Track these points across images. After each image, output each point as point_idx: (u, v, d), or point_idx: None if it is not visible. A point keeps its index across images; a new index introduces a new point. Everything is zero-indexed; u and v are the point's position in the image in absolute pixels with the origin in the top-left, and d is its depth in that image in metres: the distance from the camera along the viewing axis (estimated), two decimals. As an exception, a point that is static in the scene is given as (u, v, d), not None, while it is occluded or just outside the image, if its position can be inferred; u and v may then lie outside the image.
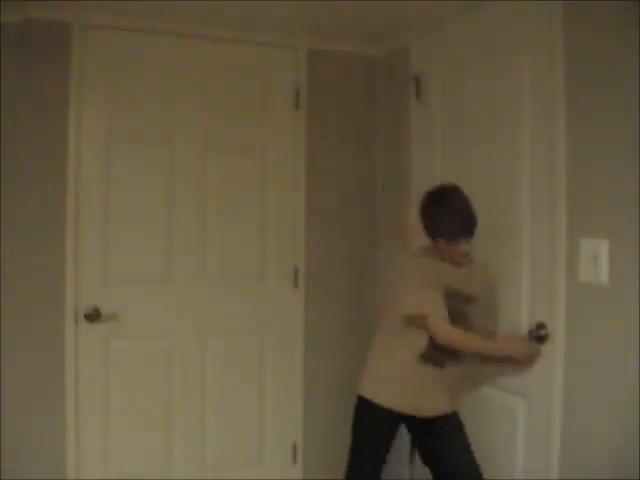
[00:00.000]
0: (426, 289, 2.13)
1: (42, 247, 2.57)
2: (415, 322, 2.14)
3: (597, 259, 1.88)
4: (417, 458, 2.48)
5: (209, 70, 2.83)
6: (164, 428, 2.79)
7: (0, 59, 2.47)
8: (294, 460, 3.02)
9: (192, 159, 2.82)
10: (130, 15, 2.61)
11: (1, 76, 2.48)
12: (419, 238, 2.28)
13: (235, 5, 2.50)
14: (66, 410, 2.61)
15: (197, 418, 2.85)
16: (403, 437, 2.51)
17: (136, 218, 2.73)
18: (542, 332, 2.11)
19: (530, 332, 2.14)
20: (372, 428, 2.29)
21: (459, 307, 2.17)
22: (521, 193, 2.22)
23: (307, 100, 2.99)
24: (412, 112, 2.84)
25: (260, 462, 2.97)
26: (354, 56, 3.07)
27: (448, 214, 2.12)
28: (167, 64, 2.77)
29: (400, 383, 2.21)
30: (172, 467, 2.81)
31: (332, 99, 3.04)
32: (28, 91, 2.54)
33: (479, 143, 2.44)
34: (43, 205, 2.58)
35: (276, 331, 2.98)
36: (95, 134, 2.66)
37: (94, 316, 2.65)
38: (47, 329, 2.59)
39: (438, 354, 2.16)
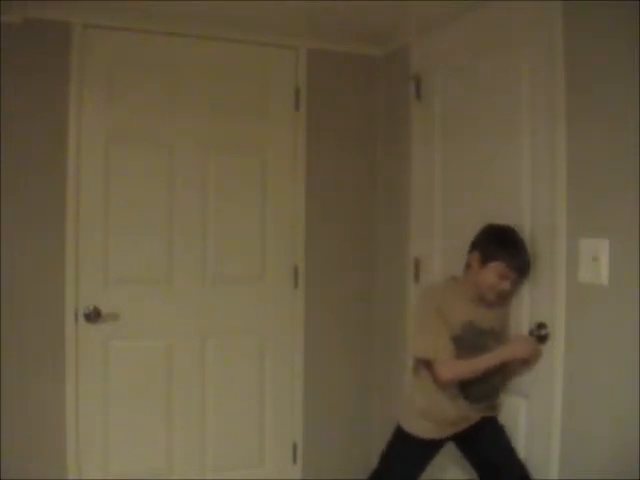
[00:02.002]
0: (432, 329, 2.08)
1: (42, 247, 2.58)
2: (422, 364, 2.15)
3: (597, 259, 1.88)
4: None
5: (209, 70, 2.83)
6: (164, 428, 2.80)
7: (0, 59, 2.47)
8: (294, 460, 3.02)
9: (192, 159, 2.82)
10: (130, 15, 2.61)
11: (1, 76, 2.48)
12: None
13: (235, 5, 2.50)
14: (66, 410, 2.61)
15: (197, 418, 2.85)
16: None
17: (136, 218, 2.73)
18: (542, 332, 2.11)
19: (530, 332, 2.14)
20: (410, 458, 2.26)
21: (477, 341, 2.11)
22: (521, 193, 2.22)
23: (307, 100, 2.99)
24: (412, 112, 2.84)
25: (260, 462, 2.97)
26: (354, 56, 3.07)
27: (518, 246, 2.10)
28: (167, 64, 2.77)
29: (432, 417, 2.18)
30: (172, 467, 2.82)
31: (332, 99, 3.04)
32: (28, 91, 2.54)
33: (479, 143, 2.44)
34: (43, 205, 2.58)
35: (276, 331, 2.98)
36: (95, 134, 2.66)
37: (94, 316, 2.65)
38: (47, 329, 2.59)
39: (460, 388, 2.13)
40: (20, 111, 2.53)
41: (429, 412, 2.18)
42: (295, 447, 3.02)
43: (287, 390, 3.00)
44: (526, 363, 2.14)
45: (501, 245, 2.10)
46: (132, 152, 2.73)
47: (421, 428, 2.20)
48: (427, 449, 2.25)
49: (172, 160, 2.79)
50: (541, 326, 2.11)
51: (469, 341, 2.10)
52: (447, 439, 2.24)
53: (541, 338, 2.10)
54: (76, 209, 2.62)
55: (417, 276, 2.81)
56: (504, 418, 2.28)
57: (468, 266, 2.16)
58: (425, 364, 2.15)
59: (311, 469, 3.01)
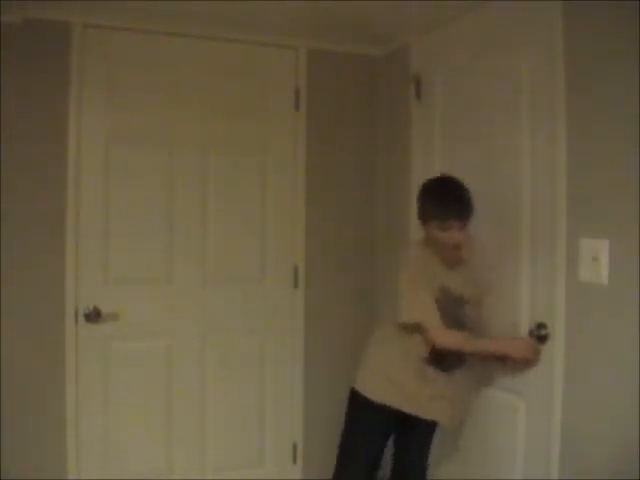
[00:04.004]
0: (420, 291, 2.11)
1: (42, 247, 2.58)
2: (411, 327, 2.14)
3: (597, 259, 1.88)
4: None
5: (209, 70, 2.83)
6: (164, 428, 2.79)
7: (0, 59, 2.47)
8: (294, 460, 3.02)
9: (192, 159, 2.82)
10: (130, 15, 2.61)
11: (1, 76, 2.48)
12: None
13: (235, 5, 2.49)
14: (66, 410, 2.61)
15: (197, 418, 2.85)
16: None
17: (136, 218, 2.73)
18: (542, 332, 2.11)
19: (530, 332, 2.14)
20: (370, 426, 2.28)
21: (452, 308, 2.17)
22: (521, 193, 2.22)
23: (307, 100, 2.99)
24: (412, 112, 2.84)
25: (260, 462, 2.97)
26: (354, 56, 3.07)
27: (443, 195, 2.13)
28: (167, 64, 2.77)
29: (400, 382, 2.20)
30: (172, 467, 2.82)
31: (332, 99, 3.04)
32: (28, 91, 2.54)
33: (479, 143, 2.44)
34: (43, 205, 2.58)
35: (276, 331, 2.98)
36: (95, 134, 2.66)
37: (94, 316, 2.65)
38: (47, 329, 2.59)
39: (440, 358, 2.15)
40: (20, 111, 2.53)
41: (404, 380, 2.18)
42: (295, 447, 3.02)
43: (287, 390, 3.00)
44: (525, 364, 2.15)
45: (429, 202, 2.14)
46: (132, 152, 2.72)
47: (388, 395, 2.19)
48: (387, 418, 2.25)
49: (172, 160, 2.79)
50: (541, 326, 2.11)
51: (445, 306, 2.13)
52: (399, 418, 2.24)
53: (541, 338, 2.11)
54: (76, 209, 2.62)
55: (417, 276, 2.80)
56: (504, 418, 2.29)
57: (428, 234, 2.19)
58: (414, 329, 2.13)
59: (311, 469, 3.01)
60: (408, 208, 2.84)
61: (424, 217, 2.17)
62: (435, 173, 2.68)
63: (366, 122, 3.11)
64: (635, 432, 1.75)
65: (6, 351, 2.51)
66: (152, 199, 2.77)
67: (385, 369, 2.23)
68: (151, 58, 2.74)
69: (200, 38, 2.80)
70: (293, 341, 2.99)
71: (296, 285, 2.99)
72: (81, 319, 2.64)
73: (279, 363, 2.98)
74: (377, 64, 3.11)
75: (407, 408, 2.20)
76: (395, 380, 2.20)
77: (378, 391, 2.22)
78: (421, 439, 2.41)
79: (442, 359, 2.15)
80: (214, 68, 2.84)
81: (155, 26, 2.70)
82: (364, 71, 3.10)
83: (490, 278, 2.32)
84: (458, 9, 2.45)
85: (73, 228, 2.62)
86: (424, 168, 2.77)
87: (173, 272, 2.80)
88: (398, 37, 2.89)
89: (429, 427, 2.36)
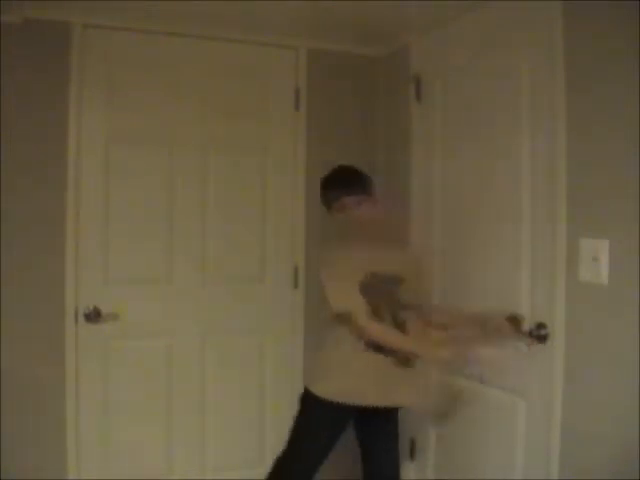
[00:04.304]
0: (342, 282, 2.16)
1: (42, 247, 2.57)
2: (343, 319, 2.17)
3: (597, 259, 1.88)
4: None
5: (209, 70, 2.83)
6: (164, 428, 2.80)
7: (0, 59, 2.47)
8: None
9: (192, 159, 2.82)
10: (130, 15, 2.61)
11: (1, 76, 2.48)
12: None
13: (235, 5, 2.49)
14: (66, 410, 2.61)
15: (197, 418, 2.85)
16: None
17: (136, 218, 2.73)
18: (542, 332, 2.11)
19: (530, 332, 2.14)
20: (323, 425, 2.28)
21: (387, 287, 2.20)
22: (521, 193, 2.22)
23: (307, 100, 2.99)
24: (412, 112, 2.84)
25: (260, 462, 2.96)
26: (354, 56, 3.07)
27: (329, 180, 2.31)
28: (167, 64, 2.77)
29: (346, 374, 2.21)
30: (172, 467, 2.82)
31: (332, 99, 3.04)
32: (28, 91, 2.54)
33: (479, 143, 2.44)
34: (43, 205, 2.58)
35: (276, 331, 2.98)
36: (95, 134, 2.66)
37: (94, 316, 2.65)
38: (47, 329, 2.59)
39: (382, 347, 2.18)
40: (20, 111, 2.53)
41: (347, 370, 2.20)
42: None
43: (287, 390, 2.98)
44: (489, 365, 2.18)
45: (322, 191, 2.32)
46: (132, 152, 2.72)
47: (337, 391, 2.19)
48: (338, 416, 2.25)
49: (172, 160, 2.79)
50: (541, 326, 2.11)
51: (379, 286, 2.17)
52: (355, 412, 2.26)
53: (541, 338, 2.11)
54: (76, 209, 2.62)
55: (417, 276, 2.81)
56: (504, 418, 2.29)
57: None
58: (343, 320, 2.17)
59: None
60: (408, 207, 2.84)
61: (326, 207, 2.31)
62: (435, 173, 2.70)
63: (366, 122, 3.11)
64: (635, 432, 1.75)
65: (6, 351, 2.51)
66: (152, 199, 2.77)
67: (336, 365, 2.25)
68: (151, 58, 2.74)
69: (200, 38, 2.79)
70: (293, 341, 2.99)
71: (296, 285, 2.99)
72: (81, 319, 2.64)
73: (279, 363, 2.98)
74: (377, 64, 3.11)
75: (367, 401, 2.21)
76: (345, 375, 2.21)
77: (329, 389, 2.22)
78: (387, 437, 2.39)
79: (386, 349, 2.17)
80: (214, 68, 2.84)
81: (155, 26, 2.70)
82: (364, 71, 3.10)
83: (428, 259, 2.40)
84: (458, 9, 2.45)
85: (73, 228, 2.61)
86: (424, 168, 2.77)
87: (173, 272, 2.80)
88: (398, 37, 2.89)
89: (390, 423, 2.38)
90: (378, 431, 2.40)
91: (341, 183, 2.28)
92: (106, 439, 2.70)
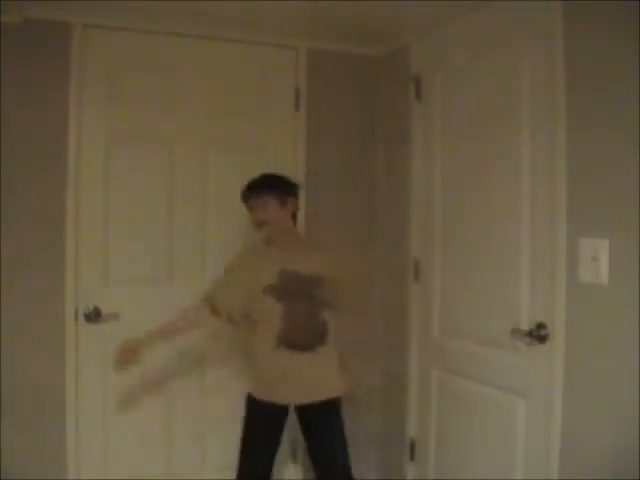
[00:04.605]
0: (222, 278, 2.44)
1: (42, 247, 2.58)
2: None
3: (597, 259, 1.88)
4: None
5: (209, 70, 2.83)
6: (164, 428, 2.79)
7: (0, 59, 2.47)
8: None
9: (192, 159, 2.82)
10: (130, 15, 2.61)
11: (1, 76, 2.48)
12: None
13: (235, 5, 2.50)
14: (66, 410, 2.61)
15: (197, 418, 2.85)
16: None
17: (136, 218, 2.73)
18: (542, 332, 2.11)
19: (530, 332, 2.14)
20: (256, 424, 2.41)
21: (299, 287, 2.31)
22: (521, 193, 2.22)
23: (307, 100, 2.99)
24: (412, 112, 2.84)
25: (260, 462, 2.97)
26: (354, 56, 3.07)
27: (250, 182, 2.42)
28: (167, 64, 2.77)
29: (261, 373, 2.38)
30: (172, 467, 2.82)
31: (332, 99, 3.04)
32: (28, 91, 2.54)
33: (479, 143, 2.44)
34: (43, 205, 2.58)
35: (276, 331, 2.97)
36: (95, 134, 2.66)
37: (94, 316, 2.65)
38: (47, 329, 2.59)
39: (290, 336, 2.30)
40: (20, 111, 2.53)
41: (260, 365, 2.37)
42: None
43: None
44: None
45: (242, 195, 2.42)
46: (132, 152, 2.73)
47: (256, 388, 2.39)
48: (268, 414, 2.38)
49: (172, 160, 2.79)
50: (541, 326, 2.11)
51: (286, 288, 2.30)
52: (287, 408, 2.39)
53: (541, 338, 2.11)
54: (76, 209, 2.62)
55: (417, 276, 2.81)
56: (504, 418, 2.29)
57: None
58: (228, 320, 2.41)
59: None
60: (408, 208, 2.84)
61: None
62: (435, 173, 2.70)
63: (366, 122, 3.11)
64: (635, 432, 1.75)
65: (6, 351, 2.51)
66: (152, 199, 2.77)
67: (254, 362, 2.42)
68: (151, 58, 2.74)
69: (200, 38, 2.80)
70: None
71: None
72: (81, 319, 2.64)
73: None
74: (377, 64, 3.11)
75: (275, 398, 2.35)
76: (256, 371, 2.40)
77: (250, 385, 2.43)
78: (323, 433, 2.42)
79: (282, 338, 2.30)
80: (214, 68, 2.84)
81: (155, 26, 2.70)
82: (364, 71, 3.10)
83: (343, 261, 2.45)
84: (458, 9, 2.45)
85: (73, 228, 2.62)
86: (424, 168, 2.77)
87: (173, 272, 2.80)
88: (398, 37, 2.89)
89: (328, 419, 2.41)
90: (312, 427, 2.43)
91: (254, 186, 2.40)
92: (106, 439, 2.70)
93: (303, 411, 2.39)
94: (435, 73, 2.71)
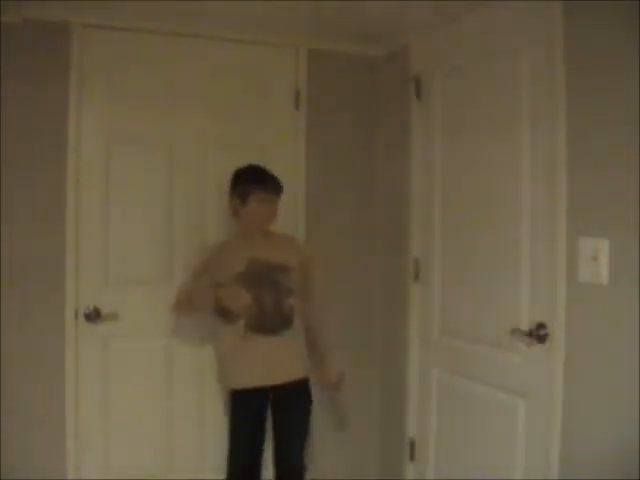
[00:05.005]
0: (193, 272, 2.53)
1: (42, 247, 2.57)
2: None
3: (597, 259, 1.88)
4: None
5: (209, 70, 2.83)
6: (164, 428, 2.79)
7: (0, 59, 2.47)
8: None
9: (192, 159, 2.82)
10: (130, 15, 2.61)
11: (1, 76, 2.48)
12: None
13: (235, 5, 2.50)
14: (66, 410, 2.61)
15: (197, 418, 2.85)
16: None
17: (136, 218, 2.73)
18: (542, 332, 2.11)
19: (530, 332, 2.14)
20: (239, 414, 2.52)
21: (265, 274, 2.44)
22: (521, 192, 2.22)
23: (307, 100, 2.99)
24: (412, 112, 2.84)
25: (260, 462, 2.97)
26: (354, 56, 3.06)
27: (243, 176, 2.50)
28: (167, 64, 2.77)
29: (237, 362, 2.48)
30: (172, 467, 2.82)
31: (332, 99, 3.04)
32: (28, 91, 2.54)
33: (479, 143, 2.44)
34: (43, 205, 2.58)
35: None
36: (95, 134, 2.66)
37: (94, 316, 2.65)
38: (47, 329, 2.59)
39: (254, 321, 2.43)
40: (20, 111, 2.53)
41: (232, 356, 2.47)
42: None
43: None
44: None
45: (249, 180, 2.47)
46: (132, 152, 2.72)
47: (234, 377, 2.48)
48: (249, 401, 2.47)
49: (172, 160, 2.79)
50: (541, 326, 2.11)
51: (255, 275, 2.42)
52: (263, 391, 2.47)
53: (541, 338, 2.11)
54: (76, 209, 2.62)
55: (417, 276, 2.81)
56: (504, 418, 2.29)
57: (235, 214, 2.52)
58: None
59: (311, 469, 3.01)
60: (408, 207, 2.84)
61: (244, 196, 2.48)
62: (435, 173, 2.70)
63: (366, 122, 3.11)
64: (635, 432, 1.75)
65: (6, 351, 2.51)
66: (152, 199, 2.77)
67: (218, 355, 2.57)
68: (151, 58, 2.74)
69: (200, 38, 2.79)
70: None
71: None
72: (81, 319, 2.64)
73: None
74: (377, 64, 3.11)
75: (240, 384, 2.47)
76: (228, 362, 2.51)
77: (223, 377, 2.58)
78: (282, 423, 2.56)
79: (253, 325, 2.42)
80: (214, 68, 2.84)
81: (155, 26, 2.70)
82: (364, 71, 3.10)
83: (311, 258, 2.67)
84: (458, 9, 2.45)
85: (73, 228, 2.61)
86: (424, 168, 2.77)
87: (173, 272, 2.79)
88: (398, 37, 2.89)
89: (299, 398, 2.56)
90: (282, 406, 2.54)
91: (277, 185, 2.49)
92: (106, 439, 2.70)
93: (276, 392, 2.49)
94: (435, 73, 2.71)
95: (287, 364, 2.48)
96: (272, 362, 2.43)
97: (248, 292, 2.39)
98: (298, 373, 2.53)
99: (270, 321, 2.44)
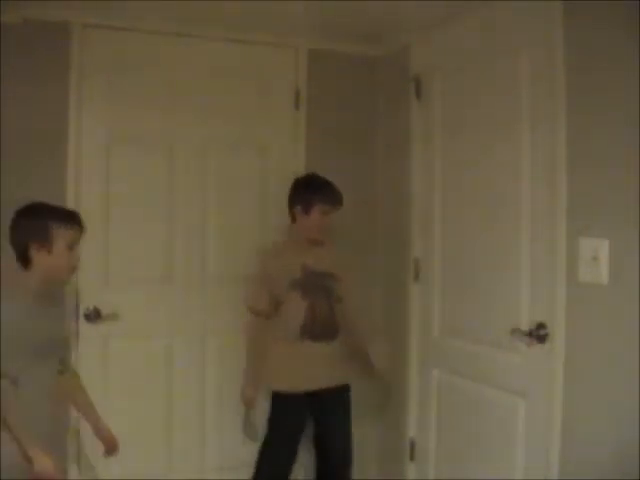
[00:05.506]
0: (257, 284, 2.55)
1: (42, 247, 2.57)
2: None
3: (597, 259, 1.88)
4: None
5: (209, 70, 2.83)
6: (164, 428, 2.79)
7: (0, 59, 2.47)
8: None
9: (192, 159, 2.82)
10: (130, 15, 2.61)
11: (1, 76, 2.48)
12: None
13: (235, 5, 2.49)
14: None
15: (197, 418, 2.85)
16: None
17: (136, 218, 2.73)
18: (542, 332, 2.11)
19: (530, 332, 2.14)
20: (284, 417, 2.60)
21: (317, 281, 2.51)
22: (521, 192, 2.22)
23: (307, 100, 2.99)
24: (412, 112, 2.84)
25: (260, 462, 2.97)
26: (354, 56, 3.07)
27: (307, 185, 2.56)
28: (167, 64, 2.77)
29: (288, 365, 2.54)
30: (172, 467, 2.82)
31: (332, 99, 3.04)
32: (28, 91, 2.54)
33: (479, 143, 2.44)
34: (43, 205, 2.58)
35: (276, 331, 2.97)
36: (95, 134, 2.66)
37: (94, 316, 2.65)
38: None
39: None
40: (20, 111, 2.53)
41: (282, 359, 2.52)
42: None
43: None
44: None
45: (314, 191, 2.52)
46: (132, 152, 2.73)
47: (284, 381, 2.53)
48: (293, 404, 2.54)
49: (172, 160, 2.79)
50: (541, 326, 2.11)
51: (310, 282, 2.49)
52: (308, 397, 2.53)
53: (541, 338, 2.11)
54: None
55: (417, 276, 2.81)
56: (504, 418, 2.29)
57: (294, 221, 2.58)
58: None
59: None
60: (408, 207, 2.84)
61: (306, 206, 2.53)
62: (435, 173, 2.70)
63: (366, 122, 3.11)
64: (635, 432, 1.75)
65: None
66: (152, 199, 2.77)
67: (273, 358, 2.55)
68: (151, 58, 2.74)
69: (200, 38, 2.79)
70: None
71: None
72: (81, 319, 2.64)
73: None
74: (377, 64, 3.11)
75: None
76: (278, 364, 2.54)
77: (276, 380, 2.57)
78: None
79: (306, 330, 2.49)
80: (214, 68, 2.84)
81: (155, 26, 2.70)
82: (364, 71, 3.10)
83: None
84: (458, 9, 2.45)
85: (73, 228, 2.61)
86: (424, 168, 2.77)
87: (173, 272, 2.80)
88: (398, 37, 2.89)
89: (345, 404, 2.65)
90: (328, 411, 2.63)
91: (339, 198, 2.54)
92: (106, 439, 2.69)
93: (320, 396, 2.55)
94: (435, 73, 2.71)
95: (335, 370, 2.56)
96: (320, 367, 2.51)
97: (304, 299, 2.48)
98: (344, 379, 2.62)
99: (322, 328, 2.52)
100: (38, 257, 1.88)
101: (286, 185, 2.95)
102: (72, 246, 1.93)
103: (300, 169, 2.97)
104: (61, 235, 1.90)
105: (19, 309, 1.83)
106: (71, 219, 1.95)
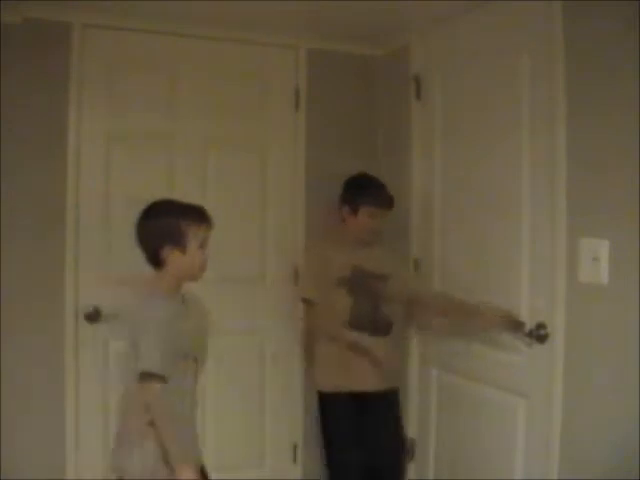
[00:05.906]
0: (311, 276, 2.55)
1: (42, 247, 2.57)
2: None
3: (597, 259, 1.88)
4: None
5: (209, 70, 2.83)
6: (164, 428, 2.79)
7: (0, 59, 2.47)
8: (294, 460, 3.02)
9: (192, 159, 2.82)
10: (130, 15, 2.61)
11: (1, 76, 2.48)
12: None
13: (235, 5, 2.49)
14: (66, 410, 2.61)
15: (197, 418, 2.84)
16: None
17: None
18: (542, 332, 2.11)
19: (530, 332, 2.14)
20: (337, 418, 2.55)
21: (365, 282, 2.48)
22: (521, 192, 2.22)
23: (307, 100, 2.99)
24: (412, 112, 2.84)
25: (260, 462, 2.97)
26: (354, 56, 3.06)
27: (356, 185, 2.53)
28: (167, 64, 2.77)
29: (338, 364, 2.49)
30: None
31: (332, 99, 3.04)
32: (28, 91, 2.54)
33: (479, 143, 2.44)
34: (43, 205, 2.58)
35: (276, 331, 2.97)
36: (95, 134, 2.66)
37: (94, 316, 2.65)
38: (47, 329, 2.59)
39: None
40: (20, 111, 2.53)
41: (334, 358, 2.47)
42: (295, 447, 3.01)
43: (287, 390, 2.99)
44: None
45: (363, 192, 2.50)
46: (132, 151, 2.72)
47: (335, 381, 2.48)
48: (346, 405, 2.49)
49: (172, 160, 2.79)
50: (541, 326, 2.11)
51: (358, 282, 2.47)
52: (360, 397, 2.48)
53: (541, 338, 2.11)
54: (76, 209, 2.62)
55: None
56: (504, 418, 2.29)
57: (343, 220, 2.55)
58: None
59: (311, 469, 3.01)
60: (408, 207, 2.84)
61: (354, 206, 2.51)
62: (435, 173, 2.70)
63: (366, 122, 3.11)
64: (635, 432, 1.75)
65: (6, 351, 2.51)
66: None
67: (322, 359, 2.53)
68: (151, 58, 2.74)
69: (200, 38, 2.79)
70: (293, 341, 2.99)
71: (296, 284, 2.98)
72: (81, 319, 2.64)
73: (279, 363, 2.98)
74: (377, 64, 3.11)
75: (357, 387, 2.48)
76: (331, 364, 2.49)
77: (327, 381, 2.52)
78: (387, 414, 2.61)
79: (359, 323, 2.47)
80: (214, 68, 2.84)
81: (155, 26, 2.70)
82: (364, 71, 3.10)
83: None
84: (458, 9, 2.45)
85: (73, 228, 2.61)
86: (424, 168, 2.77)
87: (173, 272, 2.79)
88: (398, 37, 2.89)
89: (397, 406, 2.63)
90: (381, 413, 2.57)
91: (390, 201, 2.51)
92: (106, 439, 2.68)
93: (370, 398, 2.50)
94: (435, 73, 2.71)
95: (383, 372, 2.49)
96: (367, 368, 2.46)
97: (349, 296, 2.46)
98: (393, 382, 2.58)
99: (368, 323, 2.48)
100: (172, 257, 1.82)
101: (286, 185, 2.98)
102: (203, 244, 1.87)
103: (300, 169, 2.98)
104: (194, 234, 1.83)
105: (175, 311, 1.79)
106: (202, 217, 1.87)
